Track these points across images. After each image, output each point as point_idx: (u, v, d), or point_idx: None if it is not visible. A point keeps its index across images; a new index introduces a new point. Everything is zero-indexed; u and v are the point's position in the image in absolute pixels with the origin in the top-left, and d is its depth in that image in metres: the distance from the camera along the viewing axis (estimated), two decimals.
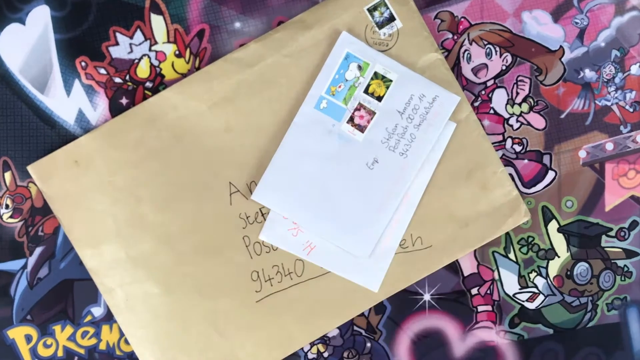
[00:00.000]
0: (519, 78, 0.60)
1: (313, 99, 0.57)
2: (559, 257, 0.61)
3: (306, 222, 0.57)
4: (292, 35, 0.57)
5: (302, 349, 0.60)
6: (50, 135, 0.59)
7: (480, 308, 0.61)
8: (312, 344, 0.60)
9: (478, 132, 0.58)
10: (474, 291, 0.61)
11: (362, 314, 0.60)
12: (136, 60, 0.59)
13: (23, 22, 0.58)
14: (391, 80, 0.57)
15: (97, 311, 0.60)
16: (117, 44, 0.59)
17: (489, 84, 0.60)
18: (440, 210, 0.58)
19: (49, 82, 0.59)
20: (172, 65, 0.59)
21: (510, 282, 0.61)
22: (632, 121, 0.61)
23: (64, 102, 0.59)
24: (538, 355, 0.61)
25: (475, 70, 0.60)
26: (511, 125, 0.60)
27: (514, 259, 0.60)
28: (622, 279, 0.61)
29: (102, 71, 0.59)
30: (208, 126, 0.57)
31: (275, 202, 0.57)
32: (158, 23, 0.59)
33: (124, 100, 0.59)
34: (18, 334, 0.60)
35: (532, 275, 0.61)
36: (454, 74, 0.59)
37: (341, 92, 0.57)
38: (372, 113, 0.57)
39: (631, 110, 0.61)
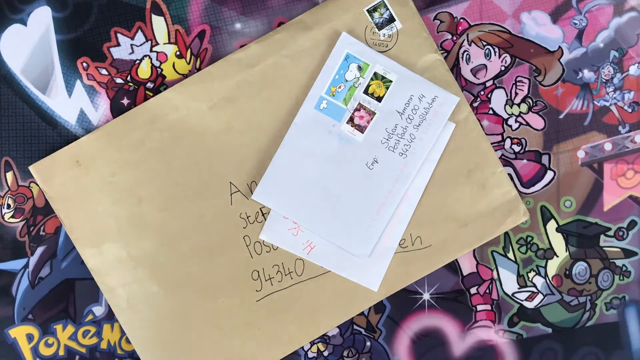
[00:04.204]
0: (518, 79, 0.60)
1: (313, 99, 0.57)
2: (557, 256, 0.61)
3: (306, 222, 0.57)
4: (292, 36, 0.58)
5: (302, 347, 0.60)
6: (52, 136, 0.59)
7: (479, 307, 0.61)
8: (312, 343, 0.60)
9: (477, 132, 0.58)
10: (473, 290, 0.61)
11: (362, 313, 0.61)
12: (137, 61, 0.59)
13: (24, 23, 0.59)
14: (391, 81, 0.57)
15: (99, 310, 0.60)
16: (118, 44, 0.59)
17: (488, 84, 0.60)
18: (440, 210, 0.58)
19: (51, 83, 0.59)
20: (173, 66, 0.59)
21: (509, 281, 0.61)
22: (630, 121, 0.61)
23: (66, 102, 0.59)
24: (537, 354, 0.61)
25: (475, 71, 0.60)
26: (510, 126, 0.60)
27: (512, 258, 0.61)
28: (621, 278, 0.61)
29: (104, 72, 0.59)
30: (209, 126, 0.57)
31: (276, 202, 0.57)
32: (159, 24, 0.59)
33: (125, 101, 0.59)
34: (19, 333, 0.60)
35: (531, 274, 0.61)
36: (453, 74, 0.59)
37: (341, 93, 0.57)
38: (372, 113, 0.57)
39: (630, 110, 0.61)
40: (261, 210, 0.58)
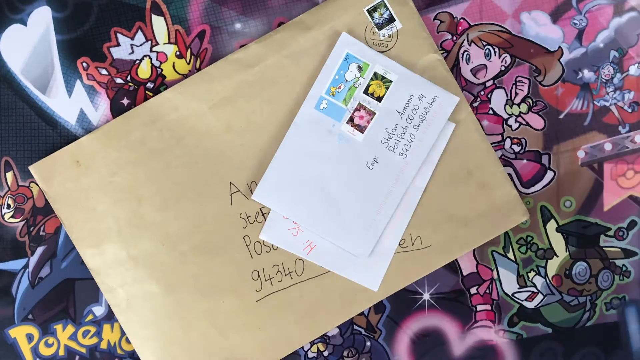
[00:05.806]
0: (518, 79, 0.60)
1: (313, 99, 0.57)
2: (557, 256, 0.61)
3: (306, 222, 0.57)
4: (292, 36, 0.58)
5: (302, 347, 0.60)
6: (52, 136, 0.59)
7: (479, 307, 0.61)
8: (312, 343, 0.60)
9: (477, 132, 0.58)
10: (473, 290, 0.61)
11: (362, 313, 0.61)
12: (137, 61, 0.59)
13: (24, 23, 0.59)
14: (391, 81, 0.57)
15: (98, 310, 0.60)
16: (118, 44, 0.59)
17: (488, 84, 0.60)
18: (440, 210, 0.58)
19: (51, 83, 0.59)
20: (173, 66, 0.59)
21: (509, 281, 0.61)
22: (630, 121, 0.61)
23: (66, 102, 0.59)
24: (537, 354, 0.61)
25: (475, 71, 0.60)
26: (510, 126, 0.60)
27: (512, 258, 0.61)
28: (621, 278, 0.61)
29: (104, 72, 0.59)
30: (209, 126, 0.57)
31: (276, 202, 0.57)
32: (159, 24, 0.59)
33: (125, 101, 0.59)
34: (19, 333, 0.60)
35: (531, 274, 0.61)
36: (453, 74, 0.59)
37: (341, 93, 0.57)
38: (372, 113, 0.57)
39: (629, 110, 0.61)
40: (261, 210, 0.58)
